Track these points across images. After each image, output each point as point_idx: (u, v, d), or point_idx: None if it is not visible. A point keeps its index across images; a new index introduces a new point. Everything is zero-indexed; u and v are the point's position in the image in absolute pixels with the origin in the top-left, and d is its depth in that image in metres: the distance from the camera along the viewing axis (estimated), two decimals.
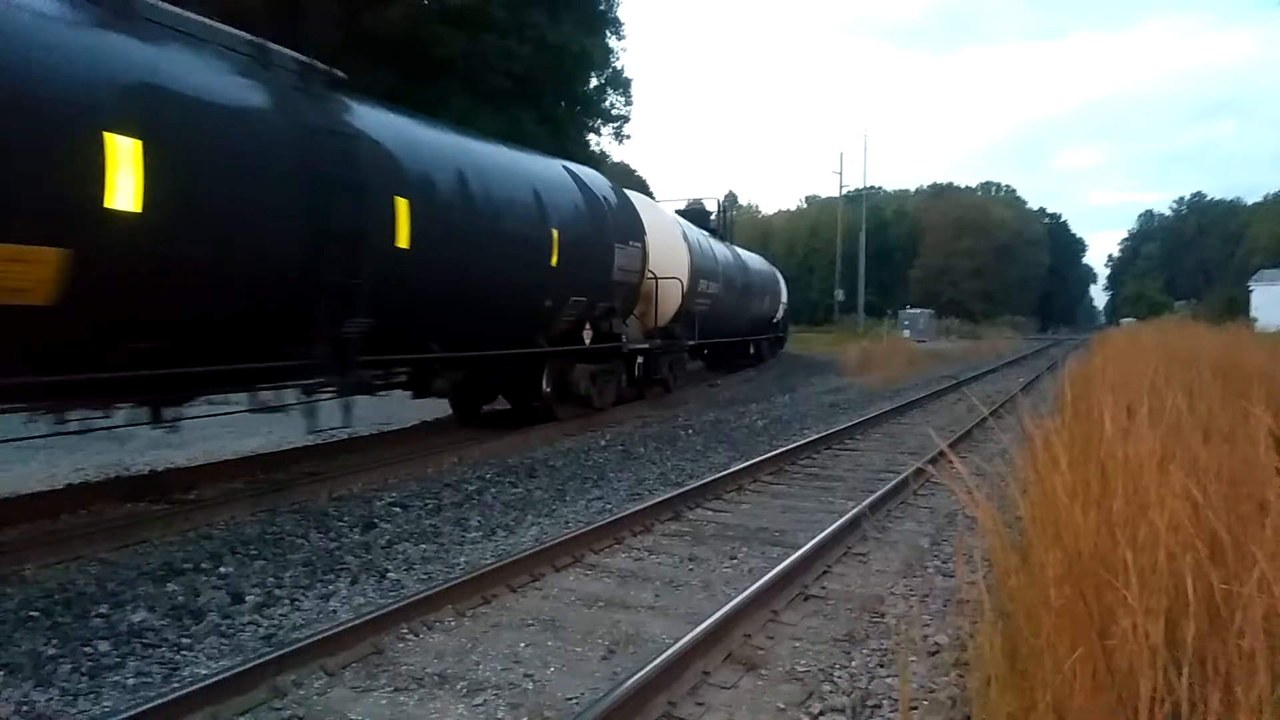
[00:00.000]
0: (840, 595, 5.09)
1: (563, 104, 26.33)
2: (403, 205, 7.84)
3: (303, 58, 7.42)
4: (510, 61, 21.59)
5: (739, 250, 21.60)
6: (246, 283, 6.59)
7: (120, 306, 5.75)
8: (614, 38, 28.61)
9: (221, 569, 5.38)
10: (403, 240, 7.84)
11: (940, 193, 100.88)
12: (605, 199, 12.41)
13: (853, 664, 4.06)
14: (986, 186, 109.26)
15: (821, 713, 3.56)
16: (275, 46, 7.20)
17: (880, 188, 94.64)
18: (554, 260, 10.53)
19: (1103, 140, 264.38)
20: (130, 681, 3.86)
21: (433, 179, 8.47)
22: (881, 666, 4.02)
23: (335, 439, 10.45)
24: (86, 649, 4.15)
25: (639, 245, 13.01)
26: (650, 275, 13.56)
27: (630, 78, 30.26)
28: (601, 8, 27.28)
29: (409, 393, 10.59)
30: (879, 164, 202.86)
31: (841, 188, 58.46)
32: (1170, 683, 2.12)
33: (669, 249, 14.51)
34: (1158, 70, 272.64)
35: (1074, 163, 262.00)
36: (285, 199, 6.74)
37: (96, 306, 5.51)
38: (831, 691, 3.76)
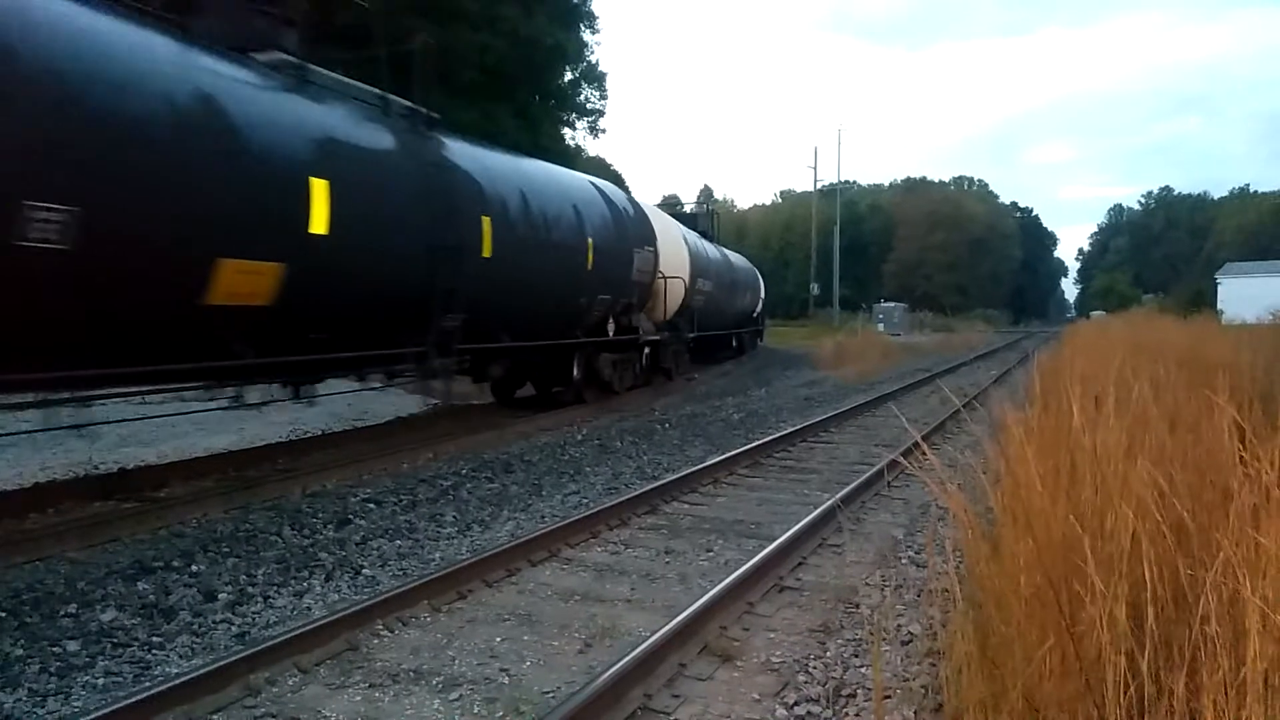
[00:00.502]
0: (815, 586, 5.12)
1: (537, 98, 26.21)
2: (487, 222, 9.62)
3: (409, 103, 9.03)
4: (483, 55, 21.45)
5: (725, 250, 23.07)
6: (388, 286, 8.24)
7: (310, 306, 7.34)
8: (589, 31, 28.54)
9: (193, 567, 5.33)
10: (486, 251, 9.57)
11: (914, 187, 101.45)
12: (625, 209, 14.07)
13: (827, 654, 4.09)
14: (960, 181, 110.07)
15: (797, 703, 3.59)
16: (392, 97, 8.86)
17: (855, 182, 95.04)
18: (589, 264, 12.13)
19: (1073, 135, 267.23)
20: (100, 681, 3.82)
21: (505, 200, 10.19)
22: (856, 656, 4.06)
23: (308, 435, 10.40)
24: (55, 649, 4.09)
25: (652, 249, 14.60)
26: (660, 275, 15.02)
27: (605, 72, 30.18)
28: (575, 1, 27.18)
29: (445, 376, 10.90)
30: (853, 159, 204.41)
31: (816, 182, 58.75)
32: (1136, 668, 2.16)
33: (674, 251, 15.96)
34: (1127, 66, 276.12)
35: (1045, 157, 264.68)
36: (413, 221, 8.35)
37: (296, 306, 7.09)
38: (806, 682, 3.80)
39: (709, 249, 19.75)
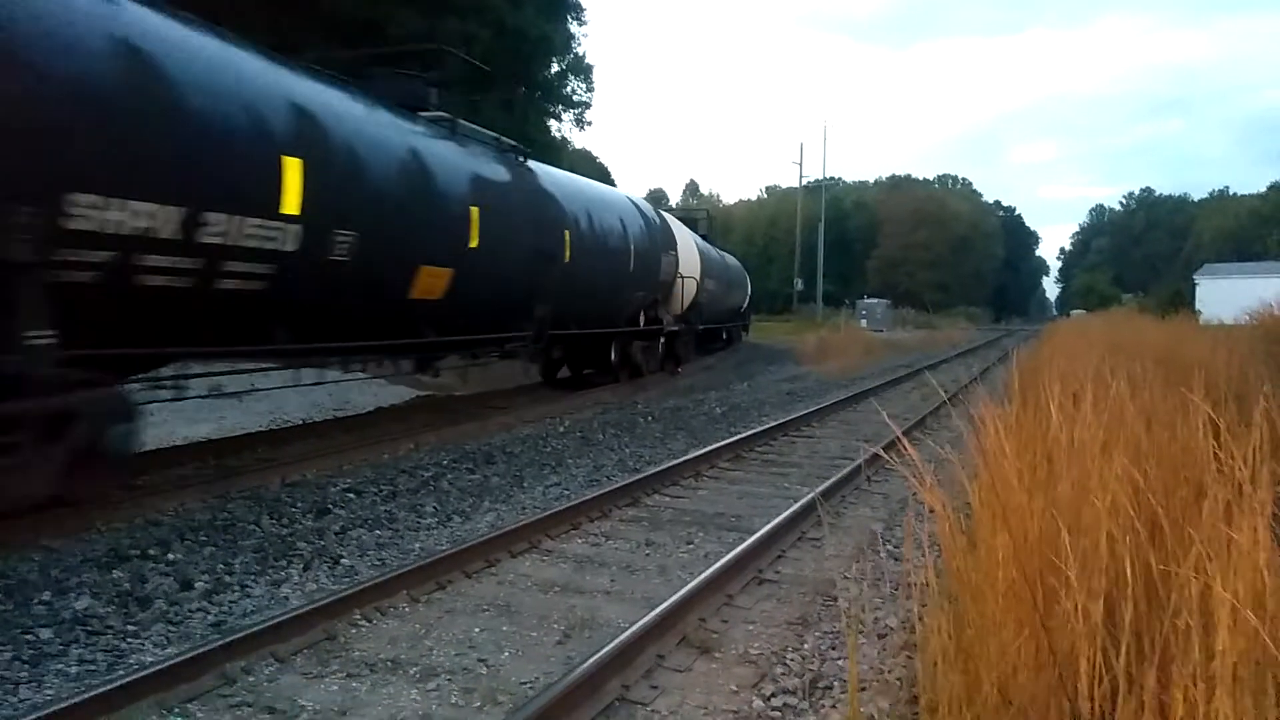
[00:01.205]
0: (794, 579, 5.15)
1: (523, 89, 26.10)
2: (567, 234, 12.21)
3: (513, 142, 11.74)
4: (469, 45, 21.34)
5: (721, 251, 25.46)
6: (509, 284, 10.85)
7: (466, 300, 9.84)
8: (575, 23, 28.43)
9: (170, 556, 5.28)
10: (566, 257, 12.15)
11: (898, 185, 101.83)
12: (653, 220, 16.59)
13: (805, 646, 4.12)
14: (944, 179, 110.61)
15: (774, 694, 3.60)
16: (505, 139, 11.52)
17: (840, 179, 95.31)
18: (630, 267, 14.74)
19: (1056, 135, 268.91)
20: (74, 669, 3.78)
21: (577, 215, 12.74)
22: (833, 649, 4.08)
23: (289, 424, 10.34)
24: (28, 637, 4.05)
25: (674, 253, 17.18)
26: (679, 275, 17.47)
27: (592, 64, 30.11)
28: None
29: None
30: (839, 156, 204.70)
31: (801, 178, 58.80)
32: (1109, 661, 2.18)
33: (688, 254, 18.39)
34: (1110, 68, 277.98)
35: (1028, 157, 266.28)
36: (524, 235, 11.01)
37: (458, 300, 9.60)
38: (784, 673, 3.81)
39: (711, 251, 21.90)
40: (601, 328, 14.19)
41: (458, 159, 9.78)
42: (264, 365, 8.55)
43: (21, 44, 5.09)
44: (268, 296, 7.02)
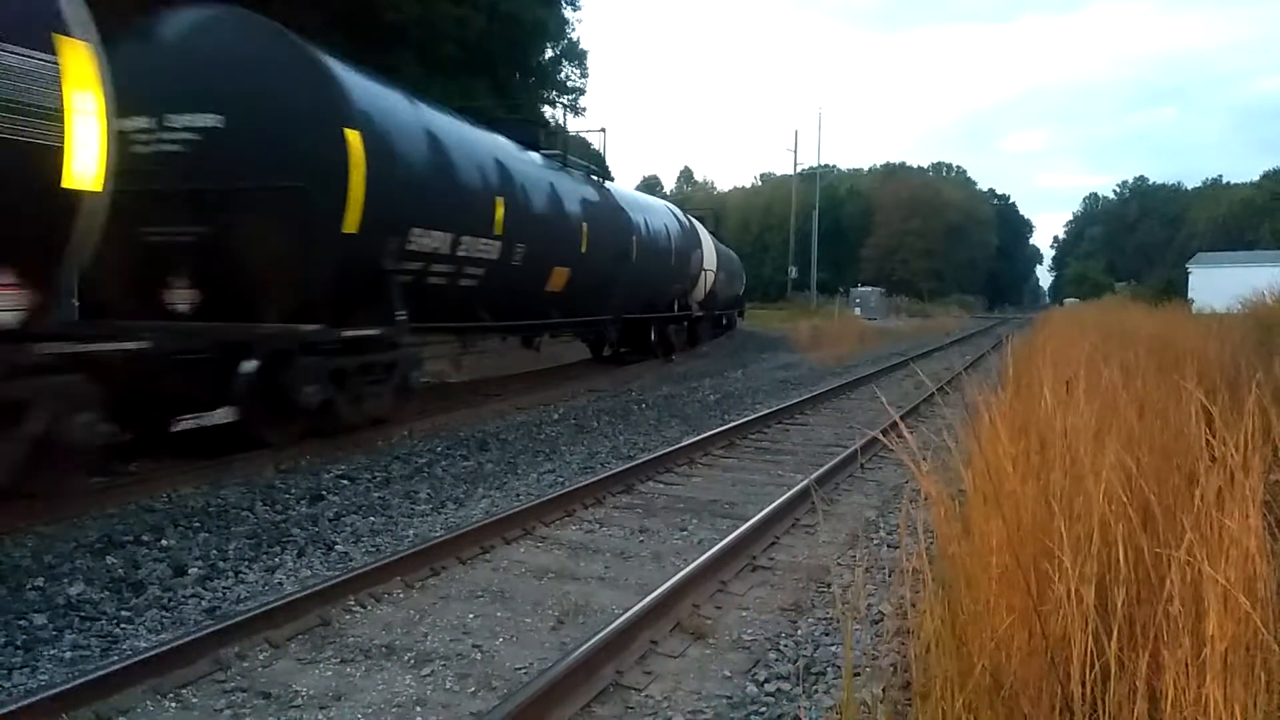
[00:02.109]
0: (788, 566, 5.16)
1: (517, 75, 25.97)
2: (635, 239, 15.61)
3: (594, 167, 15.39)
4: (463, 30, 21.20)
5: (725, 245, 27.71)
6: (603, 279, 14.13)
7: (576, 292, 13.11)
8: (569, 8, 28.28)
9: (163, 541, 5.28)
10: (634, 257, 15.50)
11: (893, 172, 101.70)
12: (685, 223, 19.91)
13: (799, 633, 4.13)
14: (938, 167, 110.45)
15: (767, 680, 3.62)
16: (591, 166, 15.11)
17: (834, 166, 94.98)
18: (672, 263, 18.20)
19: (1050, 124, 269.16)
20: (67, 655, 3.78)
21: (639, 222, 16.10)
22: (827, 635, 4.10)
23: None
24: (21, 622, 4.05)
25: (700, 250, 20.43)
26: (703, 269, 20.62)
27: (586, 50, 29.97)
28: None
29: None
30: (833, 143, 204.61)
31: (796, 166, 58.72)
32: (1101, 646, 2.19)
33: (708, 250, 21.46)
34: (1103, 56, 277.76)
35: (1022, 145, 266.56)
36: (609, 240, 14.19)
37: (573, 292, 12.98)
38: (777, 660, 3.83)
39: (720, 246, 24.14)
40: (648, 313, 17.50)
41: (572, 186, 13.30)
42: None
43: (392, 135, 8.45)
44: (479, 290, 10.45)
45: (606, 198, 14.71)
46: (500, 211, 10.32)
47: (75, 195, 5.30)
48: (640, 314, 16.77)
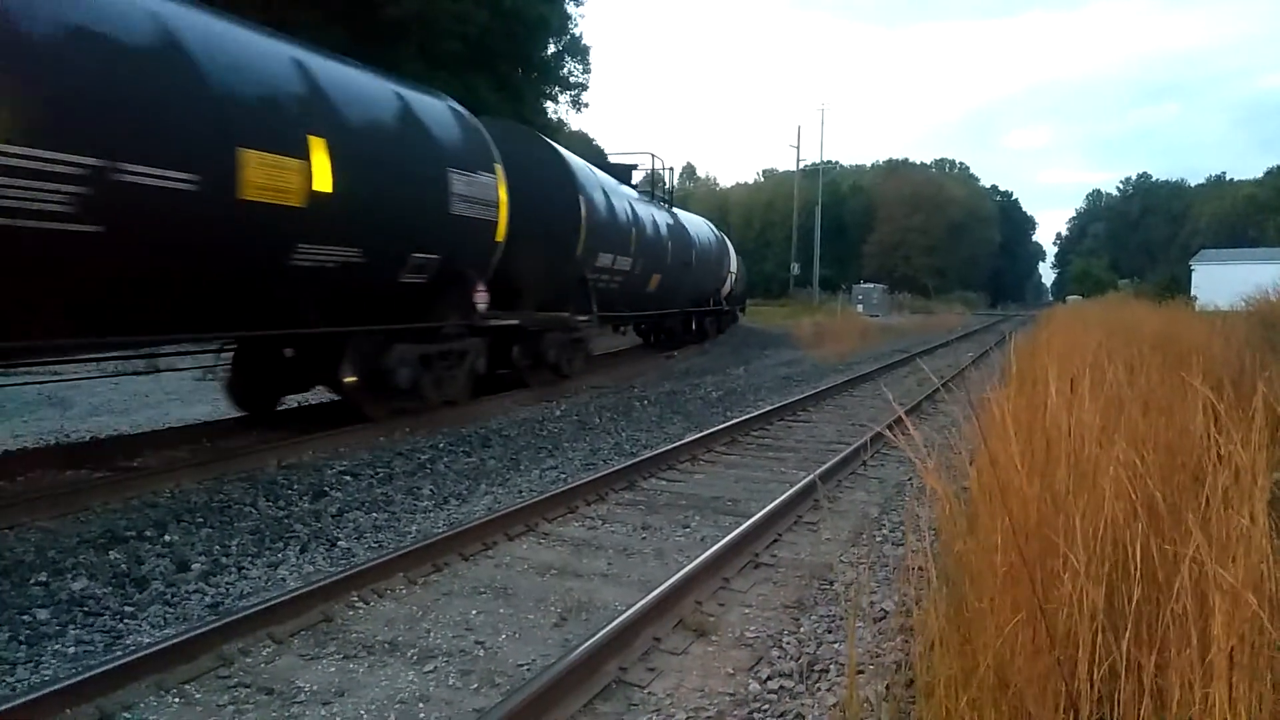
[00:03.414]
0: (790, 563, 5.16)
1: (519, 70, 25.94)
2: (694, 251, 19.83)
3: (656, 191, 19.25)
4: (465, 25, 21.18)
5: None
6: (675, 282, 18.29)
7: (662, 293, 17.75)
8: (572, 4, 28.26)
9: (166, 537, 5.28)
10: (693, 264, 19.69)
11: (896, 169, 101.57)
12: (720, 235, 24.56)
13: (801, 630, 4.13)
14: (941, 163, 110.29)
15: (770, 677, 3.61)
16: (655, 193, 19.01)
17: (837, 163, 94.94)
18: (713, 267, 22.40)
19: (1053, 120, 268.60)
20: (71, 650, 3.78)
21: (693, 237, 20.19)
22: (829, 632, 4.09)
23: (284, 407, 10.31)
24: (25, 617, 4.05)
25: (729, 258, 24.98)
26: (729, 271, 24.85)
27: (589, 45, 29.93)
28: None
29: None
30: (836, 139, 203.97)
31: (799, 162, 58.63)
32: (1107, 645, 2.19)
33: (733, 257, 25.83)
34: (1106, 52, 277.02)
35: (1025, 142, 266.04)
36: (681, 254, 18.41)
37: (660, 293, 17.69)
38: (780, 657, 3.82)
39: (731, 250, 27.35)
40: (697, 307, 22.12)
41: (661, 215, 17.93)
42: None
43: (593, 196, 13.32)
44: (618, 291, 15.12)
45: (676, 220, 19.21)
46: (634, 236, 15.34)
47: (497, 243, 10.28)
48: (692, 308, 21.64)
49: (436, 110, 9.47)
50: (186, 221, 6.16)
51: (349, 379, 8.41)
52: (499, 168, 10.19)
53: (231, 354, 8.79)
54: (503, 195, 10.15)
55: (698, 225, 21.76)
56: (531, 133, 13.57)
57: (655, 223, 17.00)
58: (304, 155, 7.06)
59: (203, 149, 6.22)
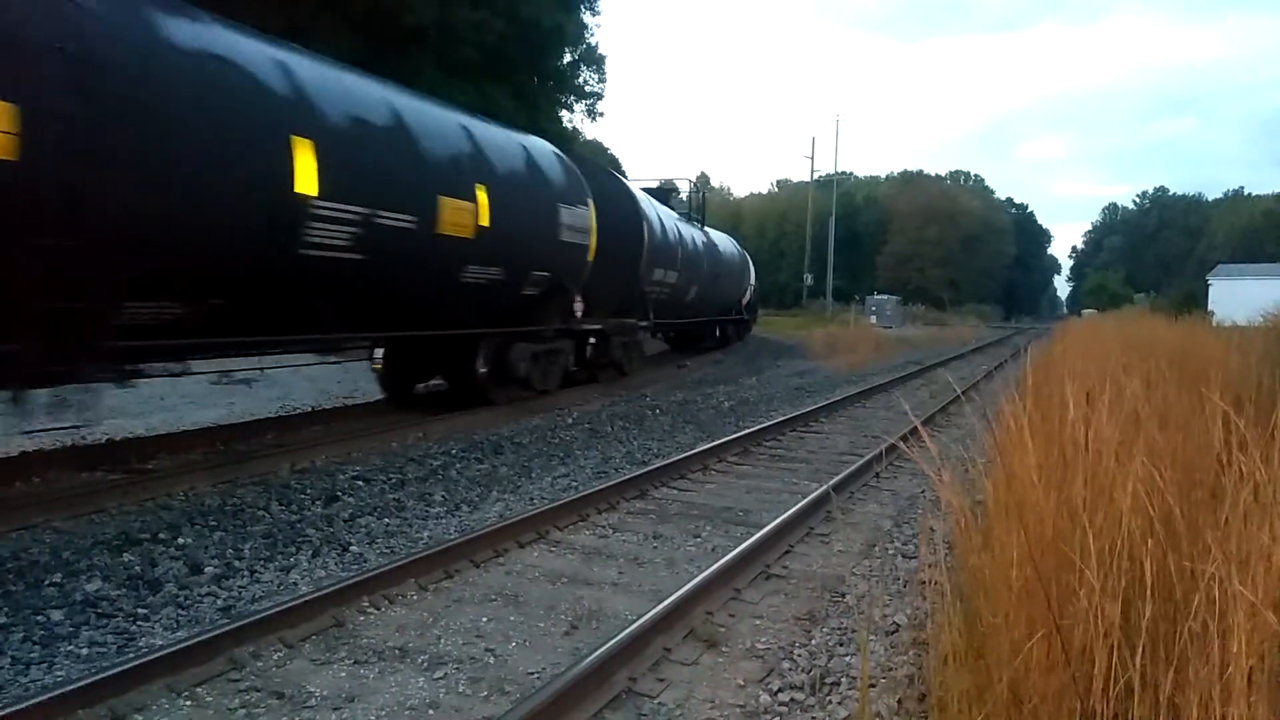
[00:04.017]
0: (802, 575, 5.13)
1: (535, 79, 26.03)
2: (721, 266, 21.84)
3: (690, 212, 21.57)
4: (482, 34, 21.27)
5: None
6: (707, 293, 20.60)
7: (698, 301, 20.18)
8: (588, 13, 28.31)
9: (180, 540, 5.31)
10: (721, 276, 21.86)
11: (910, 180, 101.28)
12: (742, 250, 26.97)
13: (813, 642, 4.10)
14: (955, 175, 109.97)
15: (781, 690, 3.59)
16: (690, 213, 21.35)
17: (851, 173, 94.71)
18: (736, 279, 24.72)
19: (1068, 132, 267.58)
20: (84, 651, 3.80)
21: (722, 252, 22.62)
22: (841, 645, 4.06)
23: (298, 411, 10.36)
24: (39, 618, 4.08)
25: (749, 270, 27.20)
26: (749, 284, 27.14)
27: (604, 54, 30.01)
28: None
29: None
30: (851, 150, 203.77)
31: (813, 172, 58.57)
32: (1123, 662, 2.16)
33: (750, 269, 27.58)
34: (1121, 65, 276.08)
35: (1040, 154, 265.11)
36: (712, 267, 20.85)
37: (699, 300, 20.07)
38: (791, 669, 3.80)
39: (749, 261, 29.32)
40: (724, 315, 24.29)
41: (695, 231, 20.00)
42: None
43: (653, 221, 16.23)
44: (665, 301, 17.08)
45: (708, 236, 21.51)
46: (679, 253, 17.59)
47: (589, 262, 12.43)
48: (719, 316, 23.73)
49: (546, 154, 11.93)
50: (408, 250, 8.50)
51: (482, 370, 10.70)
52: (591, 201, 12.62)
53: (383, 350, 10.72)
54: (593, 223, 12.58)
55: (724, 241, 24.30)
56: (607, 169, 16.79)
57: (693, 240, 19.46)
58: (473, 199, 9.42)
59: (418, 198, 8.58)
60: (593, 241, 12.46)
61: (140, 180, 5.79)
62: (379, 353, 10.67)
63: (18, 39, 5.00)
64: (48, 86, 5.09)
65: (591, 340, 13.63)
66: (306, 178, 7.07)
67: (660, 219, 16.77)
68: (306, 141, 7.07)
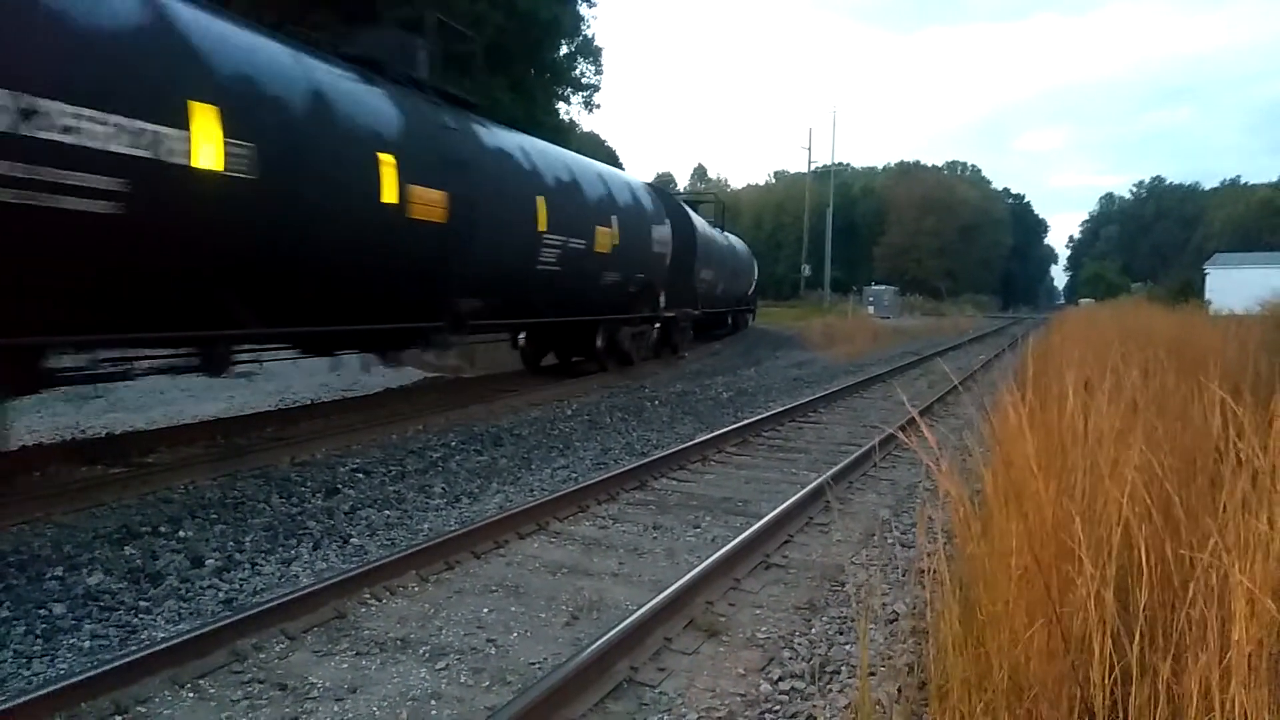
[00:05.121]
0: (801, 564, 5.15)
1: (532, 71, 25.95)
2: (738, 262, 26.51)
3: (713, 219, 25.63)
4: (479, 27, 21.21)
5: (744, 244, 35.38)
6: (729, 285, 24.54)
7: (723, 294, 23.97)
8: (585, 5, 28.20)
9: (181, 533, 5.32)
10: (739, 271, 26.62)
11: (907, 171, 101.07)
12: (748, 250, 29.89)
13: (812, 631, 4.12)
14: (953, 166, 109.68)
15: (781, 678, 3.61)
16: (714, 220, 25.74)
17: (849, 164, 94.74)
18: (745, 274, 27.68)
19: (1065, 123, 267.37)
20: (86, 644, 3.81)
21: (739, 251, 27.67)
22: (840, 634, 4.08)
23: (298, 404, 10.36)
24: (41, 611, 4.08)
25: (753, 266, 30.06)
26: (752, 278, 29.86)
27: (601, 46, 29.92)
28: None
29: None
30: (848, 141, 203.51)
31: (810, 163, 58.57)
32: (1122, 649, 2.18)
33: (754, 266, 30.55)
34: (1118, 56, 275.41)
35: (1037, 144, 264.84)
36: (734, 264, 25.39)
37: (723, 294, 23.80)
38: (791, 658, 3.82)
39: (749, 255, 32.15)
40: (738, 306, 27.43)
41: (719, 234, 23.70)
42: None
43: (697, 228, 20.30)
44: (704, 294, 20.41)
45: (728, 239, 25.34)
46: (714, 254, 21.36)
47: (667, 266, 16.53)
48: (734, 306, 26.72)
49: (641, 187, 16.23)
50: (581, 263, 12.55)
51: (600, 345, 14.54)
52: (668, 219, 16.66)
53: (525, 334, 14.24)
54: (669, 235, 16.52)
55: (738, 243, 28.47)
56: (667, 191, 21.20)
57: (720, 242, 23.45)
58: (611, 225, 13.39)
59: (586, 227, 12.58)
60: (669, 250, 16.57)
61: (493, 228, 10.11)
62: (521, 336, 14.26)
63: (453, 159, 9.26)
64: (459, 181, 9.30)
65: (657, 325, 17.15)
66: (542, 219, 11.19)
67: (704, 229, 21.12)
68: (542, 198, 11.28)
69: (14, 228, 5.05)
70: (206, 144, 6.13)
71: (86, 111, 5.28)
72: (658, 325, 17.11)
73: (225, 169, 6.28)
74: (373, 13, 19.55)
